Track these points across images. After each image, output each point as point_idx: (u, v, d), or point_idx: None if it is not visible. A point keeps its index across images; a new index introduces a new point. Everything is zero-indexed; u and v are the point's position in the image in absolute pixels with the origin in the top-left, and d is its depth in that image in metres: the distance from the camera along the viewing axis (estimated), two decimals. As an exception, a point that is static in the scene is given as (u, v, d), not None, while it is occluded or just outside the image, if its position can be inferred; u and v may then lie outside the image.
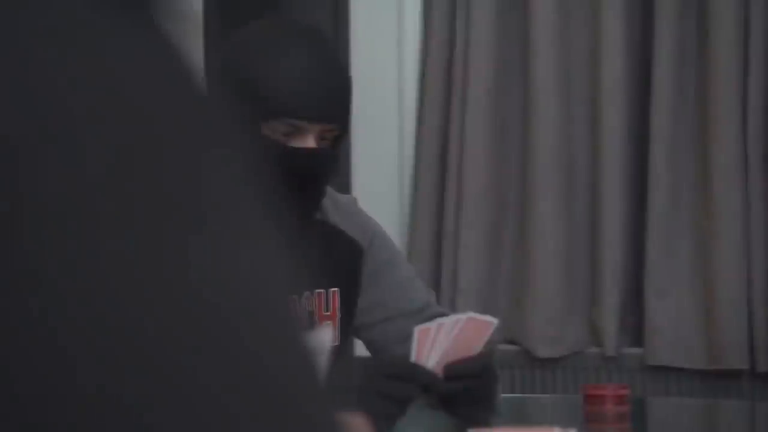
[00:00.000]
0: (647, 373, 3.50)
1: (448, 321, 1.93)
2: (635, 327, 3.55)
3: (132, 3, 0.42)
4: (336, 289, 2.09)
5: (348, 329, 2.12)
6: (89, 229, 0.40)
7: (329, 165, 2.00)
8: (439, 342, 1.91)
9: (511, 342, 3.55)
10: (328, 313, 2.08)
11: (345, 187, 3.55)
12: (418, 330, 1.92)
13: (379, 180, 3.62)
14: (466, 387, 1.93)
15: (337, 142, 2.00)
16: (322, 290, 2.07)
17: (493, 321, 1.95)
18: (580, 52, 3.53)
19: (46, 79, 0.40)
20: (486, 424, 1.96)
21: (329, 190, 2.13)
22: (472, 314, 1.94)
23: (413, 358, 1.91)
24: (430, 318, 2.14)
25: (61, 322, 0.39)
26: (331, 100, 1.95)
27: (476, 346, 1.95)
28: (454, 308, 3.35)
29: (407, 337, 2.12)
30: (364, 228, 2.14)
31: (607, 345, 3.49)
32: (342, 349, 2.10)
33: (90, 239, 0.40)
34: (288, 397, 0.41)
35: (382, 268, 2.13)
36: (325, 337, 0.95)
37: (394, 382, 1.80)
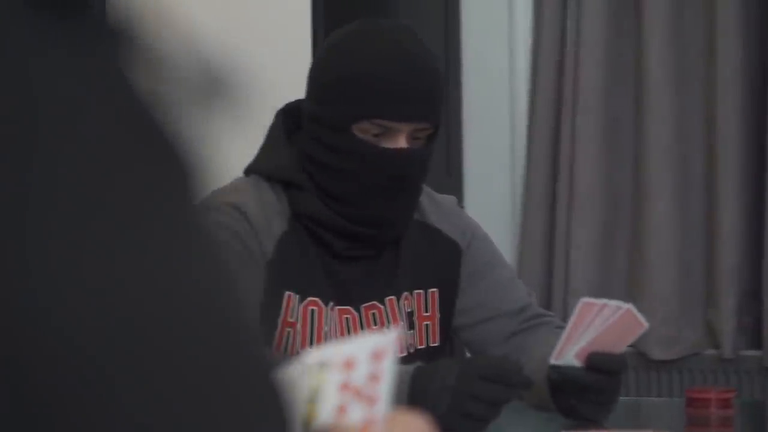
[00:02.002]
0: (766, 375, 3.43)
1: (611, 303, 1.92)
2: (753, 328, 3.48)
3: (67, 10, 0.42)
4: (435, 289, 2.08)
5: (447, 330, 2.11)
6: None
7: (422, 165, 1.99)
8: (597, 322, 1.90)
9: (626, 343, 3.51)
10: (428, 314, 2.08)
11: (457, 187, 3.55)
12: (582, 302, 1.92)
13: (490, 179, 3.61)
14: (600, 384, 1.91)
15: (429, 140, 1.99)
16: (421, 291, 2.07)
17: (645, 324, 1.93)
18: (694, 48, 3.47)
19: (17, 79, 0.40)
20: (600, 425, 1.94)
21: (428, 190, 2.13)
22: (632, 307, 1.93)
23: (569, 328, 1.90)
24: (530, 319, 2.13)
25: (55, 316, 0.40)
26: (423, 99, 1.94)
27: (623, 344, 1.94)
28: (565, 309, 3.32)
29: (507, 338, 2.11)
30: (464, 229, 2.13)
31: (724, 347, 3.43)
32: (441, 350, 2.10)
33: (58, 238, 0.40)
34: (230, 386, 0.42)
35: (481, 269, 2.12)
36: (390, 340, 0.94)
37: (489, 384, 1.78)
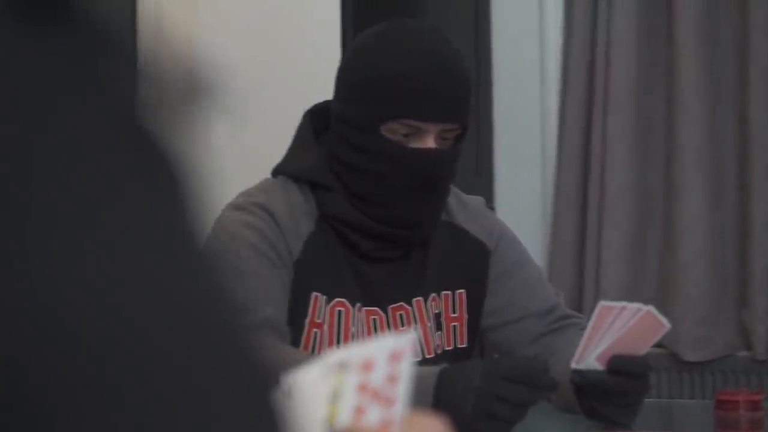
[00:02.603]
0: (800, 377, 3.41)
1: (631, 306, 1.91)
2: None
3: (46, 14, 0.43)
4: (463, 290, 2.08)
5: (475, 331, 2.11)
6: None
7: (450, 165, 1.99)
8: (617, 325, 1.90)
9: (657, 345, 3.49)
10: (456, 315, 2.08)
11: (487, 187, 3.54)
12: (600, 305, 1.92)
13: (520, 180, 3.61)
14: (623, 386, 1.91)
15: (458, 141, 1.99)
16: (448, 292, 2.07)
17: (667, 325, 1.92)
18: (726, 47, 3.45)
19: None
20: (626, 426, 1.93)
21: (456, 191, 2.12)
22: (652, 309, 1.92)
23: (588, 332, 1.90)
24: (559, 320, 2.12)
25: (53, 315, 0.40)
26: (451, 99, 1.94)
27: (644, 346, 1.93)
28: (596, 310, 3.31)
29: (535, 339, 2.10)
30: (491, 229, 2.13)
31: (757, 348, 3.41)
32: (469, 352, 2.09)
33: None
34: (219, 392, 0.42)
35: (510, 269, 2.11)
36: (408, 341, 0.94)
37: (514, 385, 1.77)
